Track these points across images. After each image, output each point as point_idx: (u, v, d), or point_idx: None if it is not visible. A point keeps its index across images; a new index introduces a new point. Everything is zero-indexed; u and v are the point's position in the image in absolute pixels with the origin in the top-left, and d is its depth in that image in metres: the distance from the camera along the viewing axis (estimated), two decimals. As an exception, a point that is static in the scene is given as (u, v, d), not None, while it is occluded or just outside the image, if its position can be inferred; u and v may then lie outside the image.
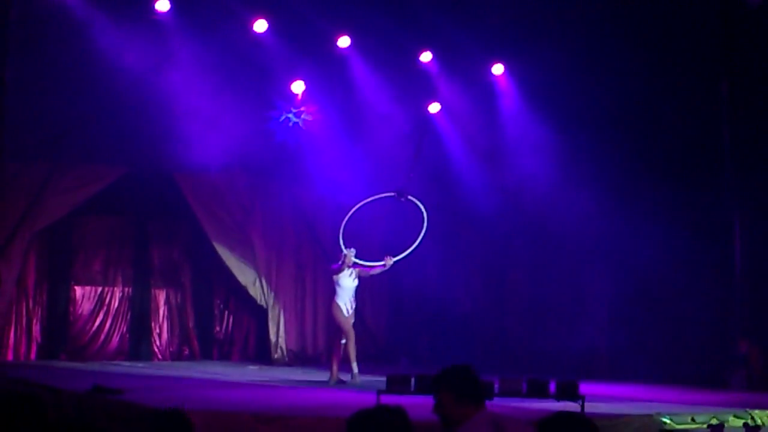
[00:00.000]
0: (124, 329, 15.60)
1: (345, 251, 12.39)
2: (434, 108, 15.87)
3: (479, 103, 15.40)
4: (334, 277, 12.42)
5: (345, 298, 12.41)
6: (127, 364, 14.80)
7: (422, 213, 13.30)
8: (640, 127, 14.09)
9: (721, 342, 13.06)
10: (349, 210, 13.42)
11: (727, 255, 13.09)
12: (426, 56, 14.92)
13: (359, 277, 12.56)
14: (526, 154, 15.04)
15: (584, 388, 9.06)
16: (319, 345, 16.54)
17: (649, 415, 9.11)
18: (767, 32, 12.84)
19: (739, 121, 13.22)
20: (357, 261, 12.50)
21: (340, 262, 12.36)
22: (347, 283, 12.44)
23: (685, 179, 13.61)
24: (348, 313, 12.38)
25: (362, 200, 13.52)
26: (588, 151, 14.11)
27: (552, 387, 8.95)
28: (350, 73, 14.87)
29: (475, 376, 4.49)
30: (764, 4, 12.65)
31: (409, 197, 13.45)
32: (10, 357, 14.53)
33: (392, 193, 13.52)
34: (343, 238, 12.81)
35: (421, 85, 15.27)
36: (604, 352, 14.47)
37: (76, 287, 15.38)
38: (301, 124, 14.58)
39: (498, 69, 15.13)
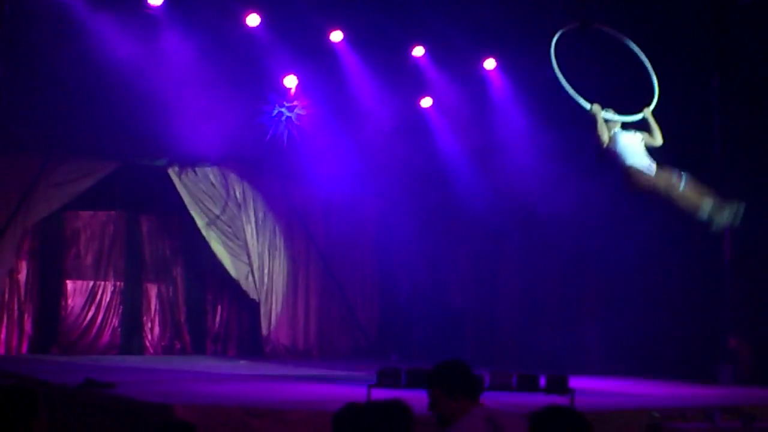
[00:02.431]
0: (116, 323, 15.60)
1: (590, 108, 9.17)
2: (426, 103, 15.91)
3: (471, 98, 15.43)
4: (608, 146, 9.13)
5: (634, 157, 9.18)
6: (119, 358, 14.81)
7: (622, 41, 9.80)
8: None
9: (710, 337, 13.11)
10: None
11: (717, 250, 13.13)
12: (418, 51, 14.95)
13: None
14: (518, 149, 15.07)
15: (574, 382, 9.11)
16: (310, 339, 16.57)
17: (638, 410, 9.16)
18: (759, 27, 12.88)
19: (730, 116, 13.26)
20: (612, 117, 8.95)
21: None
22: (628, 140, 9.18)
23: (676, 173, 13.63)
24: (651, 170, 9.14)
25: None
26: (579, 145, 14.13)
27: (542, 381, 9.00)
28: (342, 68, 14.88)
29: (467, 370, 4.43)
30: (756, -1, 12.69)
31: (601, 27, 9.83)
32: (1, 351, 14.54)
33: (574, 25, 9.85)
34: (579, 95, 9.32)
35: (413, 80, 15.29)
36: (594, 346, 14.53)
37: (67, 281, 15.38)
38: (293, 119, 14.59)
39: (490, 64, 15.15)
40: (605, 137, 9.17)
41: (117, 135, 14.68)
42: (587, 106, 9.20)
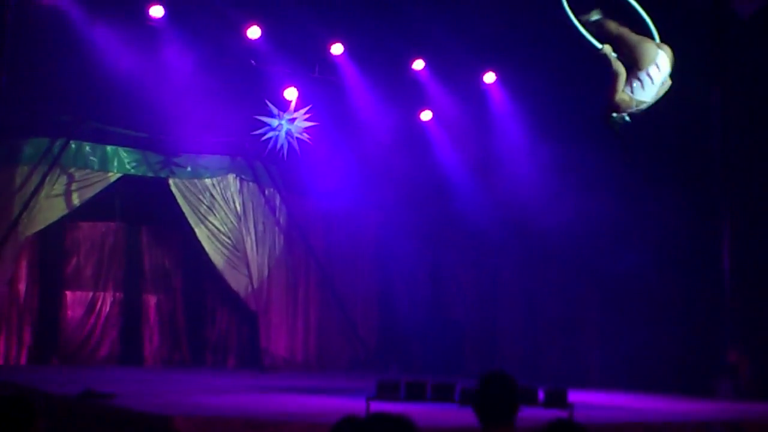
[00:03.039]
0: (115, 334, 15.58)
1: (601, 47, 8.80)
2: (426, 116, 15.95)
3: (471, 111, 15.47)
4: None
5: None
6: (118, 369, 14.78)
7: None
8: (631, 136, 14.12)
9: (708, 351, 13.10)
10: None
11: (717, 263, 13.15)
12: (418, 64, 15.00)
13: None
14: (517, 162, 15.10)
15: (573, 396, 9.10)
16: (309, 351, 16.56)
17: (638, 423, 9.14)
18: (758, 42, 12.93)
19: (731, 130, 13.30)
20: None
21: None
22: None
23: (676, 187, 13.68)
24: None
25: None
26: (578, 158, 14.17)
27: (541, 395, 8.98)
28: (343, 81, 14.93)
29: (497, 390, 3.93)
30: (755, 15, 12.73)
31: None
32: (0, 361, 14.51)
33: None
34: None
35: (413, 93, 15.34)
36: (593, 359, 14.52)
37: (67, 292, 15.36)
38: (293, 131, 14.62)
39: (490, 77, 15.20)
40: (622, 70, 8.92)
41: (117, 146, 14.74)
42: (599, 46, 9.09)
